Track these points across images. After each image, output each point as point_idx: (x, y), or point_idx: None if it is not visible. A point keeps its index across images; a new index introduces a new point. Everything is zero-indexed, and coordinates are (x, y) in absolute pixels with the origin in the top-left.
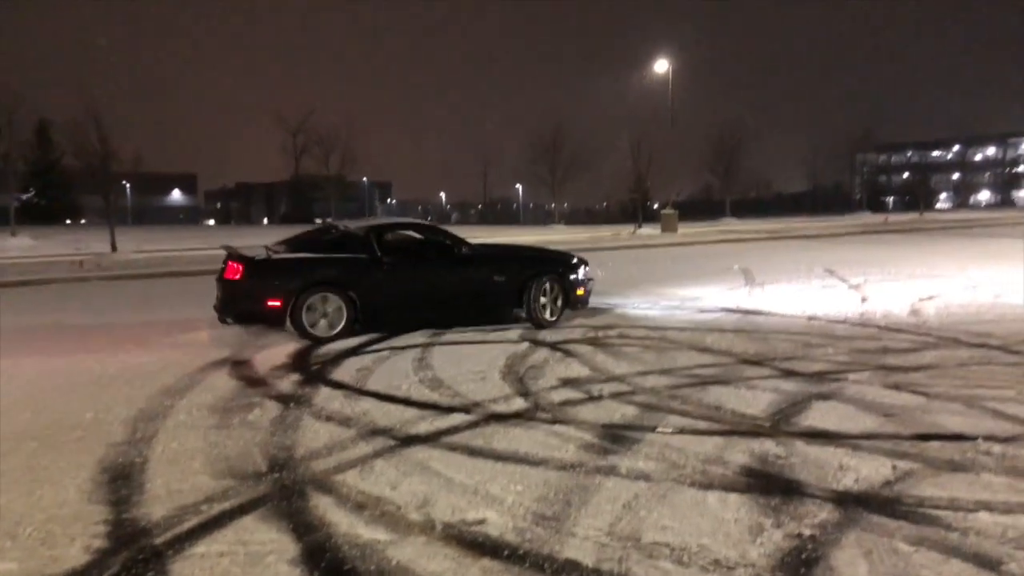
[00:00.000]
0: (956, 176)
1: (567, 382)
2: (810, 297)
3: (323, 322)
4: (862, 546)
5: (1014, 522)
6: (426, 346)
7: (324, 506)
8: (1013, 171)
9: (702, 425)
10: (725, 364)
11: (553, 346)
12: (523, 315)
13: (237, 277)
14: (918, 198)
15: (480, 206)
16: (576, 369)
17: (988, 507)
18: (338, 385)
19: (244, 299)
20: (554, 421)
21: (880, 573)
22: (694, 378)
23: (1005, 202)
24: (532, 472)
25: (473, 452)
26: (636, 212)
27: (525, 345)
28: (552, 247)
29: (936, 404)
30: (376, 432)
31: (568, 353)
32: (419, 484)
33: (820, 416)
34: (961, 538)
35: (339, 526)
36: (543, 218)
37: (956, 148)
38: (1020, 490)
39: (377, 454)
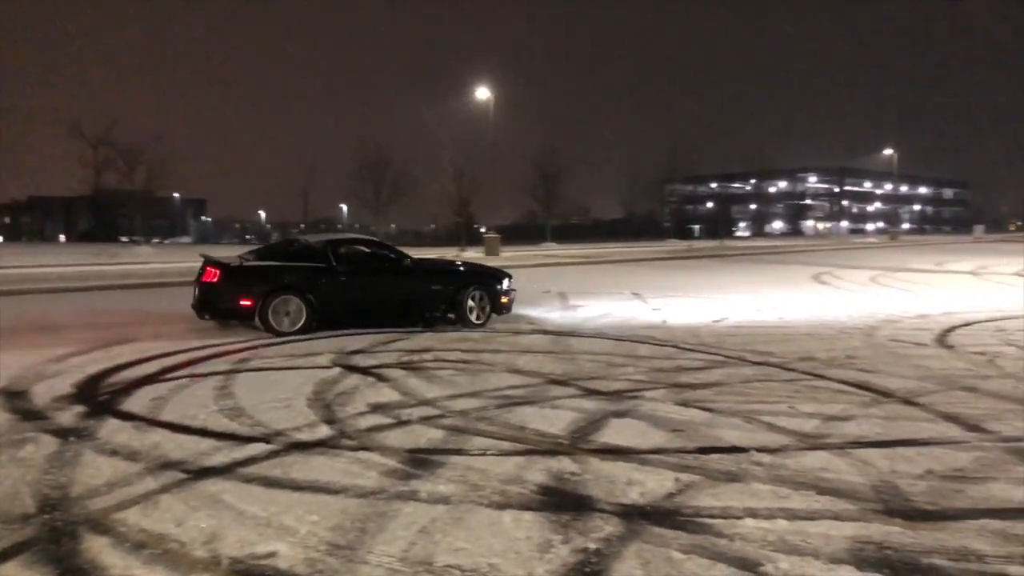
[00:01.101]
0: (753, 207)
1: (376, 407)
2: (617, 318)
3: (286, 320)
4: (641, 557)
5: (774, 527)
6: (230, 373)
7: (98, 547)
8: (801, 203)
9: (505, 445)
10: (534, 385)
11: (365, 371)
12: (454, 318)
13: (215, 280)
14: (719, 226)
15: (302, 225)
16: (387, 394)
17: (754, 514)
18: (128, 416)
19: (221, 299)
20: (359, 448)
21: None
22: (503, 399)
23: (795, 231)
24: (330, 501)
25: (270, 483)
26: (461, 235)
27: (336, 371)
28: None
29: (719, 419)
30: (166, 466)
31: (380, 378)
32: (208, 519)
33: (615, 433)
34: (728, 544)
35: (112, 569)
36: None
37: (753, 181)
38: (782, 496)
39: (164, 489)
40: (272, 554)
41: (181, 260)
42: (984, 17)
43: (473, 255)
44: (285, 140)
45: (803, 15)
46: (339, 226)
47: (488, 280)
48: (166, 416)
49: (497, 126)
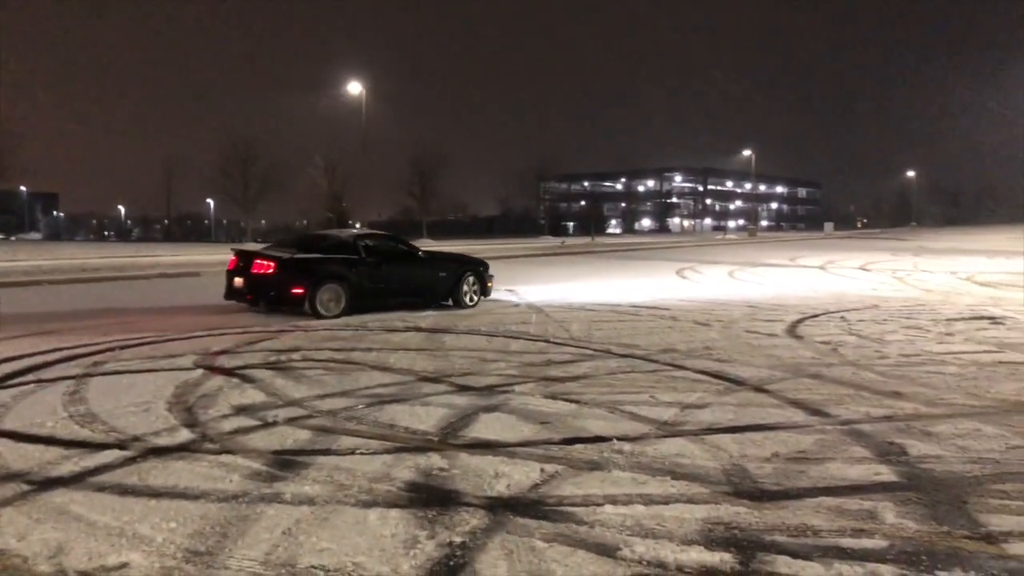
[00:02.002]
0: (623, 204)
1: (241, 409)
2: (492, 316)
3: (331, 305)
4: (504, 547)
5: (631, 512)
6: (82, 377)
7: None
8: (668, 201)
9: (374, 444)
10: (405, 383)
11: (230, 372)
12: (449, 302)
13: (270, 271)
14: (592, 224)
15: (166, 221)
16: (252, 395)
17: (614, 500)
18: None
19: (275, 288)
20: (221, 451)
21: (517, 571)
22: (373, 398)
23: (663, 228)
24: (190, 507)
25: (125, 491)
26: None
27: (199, 372)
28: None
29: (585, 410)
30: (7, 478)
31: (246, 379)
32: (54, 531)
33: (485, 427)
34: (589, 531)
35: None
36: (238, 235)
37: (623, 180)
38: (640, 483)
39: (6, 502)
40: (124, 565)
41: (27, 258)
42: (837, 24)
43: None
44: (146, 134)
45: (673, 17)
46: (352, 223)
47: (478, 267)
48: (7, 425)
49: (373, 122)
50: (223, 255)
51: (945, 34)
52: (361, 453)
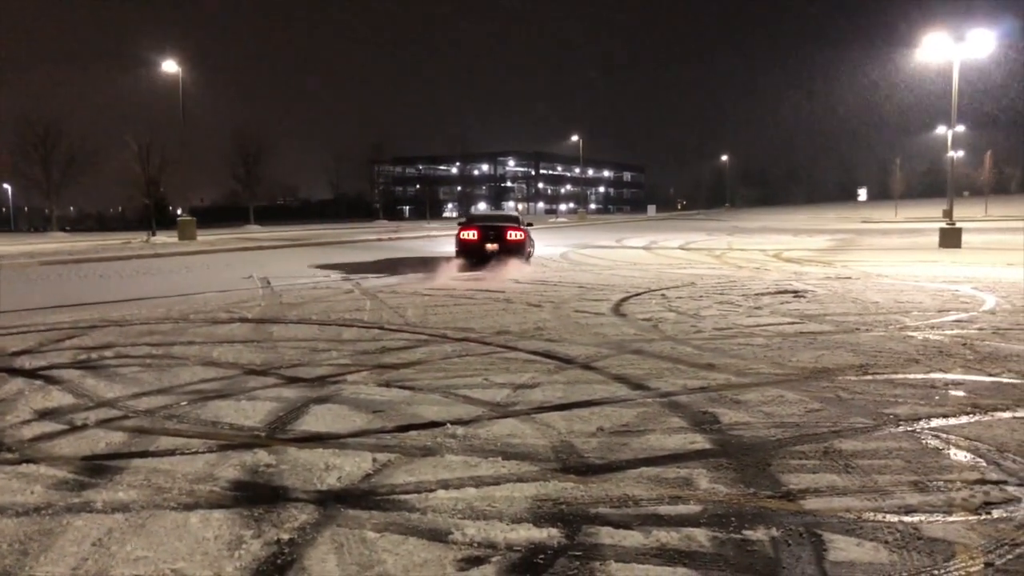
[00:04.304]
0: (459, 188)
1: (45, 414)
2: (324, 304)
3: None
4: (335, 541)
5: (463, 495)
6: None
7: None
8: (502, 185)
9: (196, 443)
10: (230, 377)
11: (32, 373)
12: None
13: (523, 237)
14: (427, 207)
15: None
16: (58, 398)
17: (446, 485)
18: None
19: (524, 249)
20: (21, 461)
21: (348, 564)
22: (195, 394)
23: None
24: None
25: None
26: (150, 219)
27: None
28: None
29: (420, 396)
30: None
31: (51, 380)
32: None
33: (315, 420)
34: (421, 517)
35: None
36: (42, 224)
37: (458, 163)
38: (472, 465)
39: None
40: None
41: None
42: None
43: (165, 239)
44: None
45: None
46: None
47: (530, 232)
48: None
49: (195, 103)
50: (25, 246)
51: (758, 27)
52: (182, 453)
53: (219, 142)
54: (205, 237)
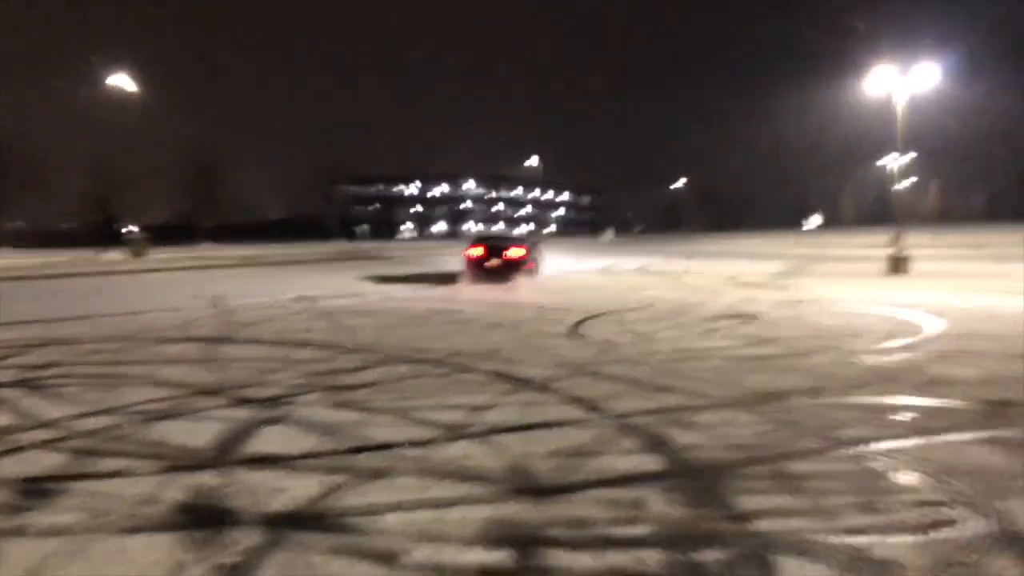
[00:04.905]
0: (418, 209)
1: None
2: (278, 323)
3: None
4: (282, 565)
5: (416, 518)
6: None
7: None
8: (461, 206)
9: (141, 465)
10: (179, 397)
11: None
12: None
13: (524, 254)
14: (385, 228)
15: None
16: None
17: (398, 508)
18: None
19: (525, 264)
20: None
21: None
22: (142, 415)
23: (455, 233)
24: None
25: None
26: (101, 235)
27: None
28: None
29: (373, 418)
30: None
31: None
32: None
33: (265, 441)
34: (370, 540)
35: None
36: None
37: (417, 184)
38: (425, 488)
39: None
40: None
41: None
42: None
43: (116, 257)
44: None
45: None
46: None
47: (541, 249)
48: None
49: (150, 121)
50: None
51: (713, 56)
52: (125, 475)
53: (174, 160)
54: (158, 255)
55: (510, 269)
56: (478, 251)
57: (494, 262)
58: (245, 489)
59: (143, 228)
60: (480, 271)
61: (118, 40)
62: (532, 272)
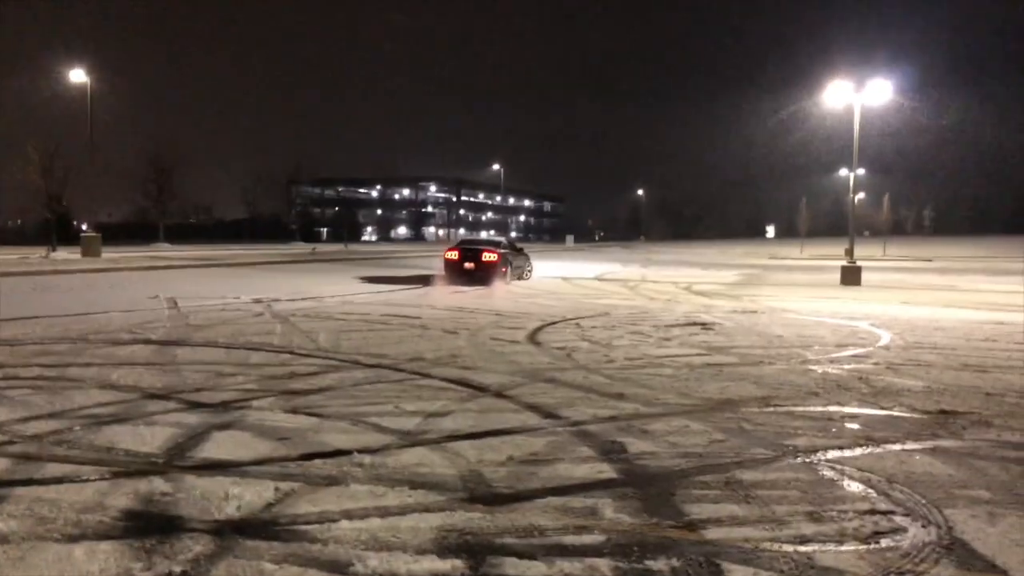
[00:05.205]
0: (379, 212)
1: None
2: (233, 326)
3: (510, 278)
4: (231, 573)
5: (367, 525)
6: None
7: None
8: (423, 210)
9: (87, 470)
10: (129, 401)
11: None
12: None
13: (496, 259)
14: (346, 230)
15: None
16: None
17: (350, 515)
18: None
19: (498, 269)
20: None
21: None
22: (89, 419)
23: (418, 237)
24: None
25: None
26: (51, 234)
27: None
28: None
29: (327, 424)
30: None
31: None
32: None
33: (217, 447)
34: (322, 548)
35: None
36: None
37: (379, 187)
38: (378, 495)
39: None
40: None
41: None
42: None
43: (67, 256)
44: None
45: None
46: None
47: (525, 254)
48: None
49: (104, 115)
50: None
51: (675, 70)
52: (70, 481)
53: (129, 157)
54: (111, 254)
55: (484, 272)
56: (454, 254)
57: (469, 265)
58: (195, 495)
59: (97, 226)
60: (456, 273)
61: (80, 38)
62: (506, 276)
